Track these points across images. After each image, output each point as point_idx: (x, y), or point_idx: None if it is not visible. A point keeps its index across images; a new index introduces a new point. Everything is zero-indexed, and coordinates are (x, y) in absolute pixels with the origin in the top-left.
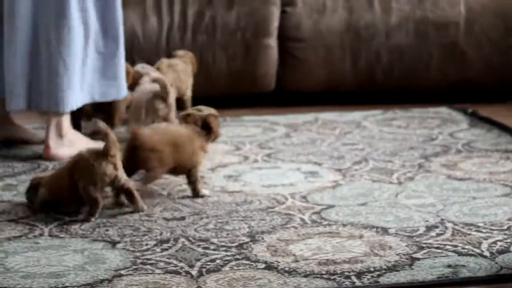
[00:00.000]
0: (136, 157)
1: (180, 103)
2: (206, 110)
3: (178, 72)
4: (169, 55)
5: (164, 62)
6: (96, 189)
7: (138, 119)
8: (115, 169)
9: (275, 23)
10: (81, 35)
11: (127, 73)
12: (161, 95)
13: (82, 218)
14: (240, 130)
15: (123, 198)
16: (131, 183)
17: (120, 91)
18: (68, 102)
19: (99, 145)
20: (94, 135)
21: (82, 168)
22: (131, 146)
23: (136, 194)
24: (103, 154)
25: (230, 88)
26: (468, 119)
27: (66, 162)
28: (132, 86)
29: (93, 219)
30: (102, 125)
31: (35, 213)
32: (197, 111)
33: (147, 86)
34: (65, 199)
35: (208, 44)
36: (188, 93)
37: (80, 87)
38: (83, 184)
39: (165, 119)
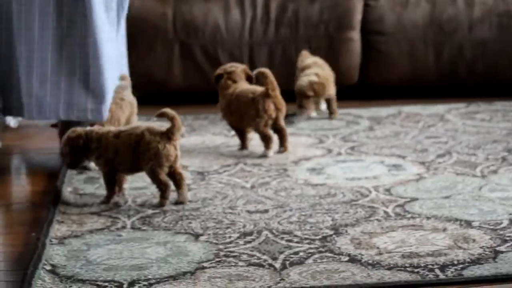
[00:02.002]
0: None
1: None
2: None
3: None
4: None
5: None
6: (163, 170)
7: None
8: (176, 149)
9: (358, 16)
10: None
11: None
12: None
13: (158, 203)
14: (323, 123)
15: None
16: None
17: None
18: None
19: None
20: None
21: (147, 150)
22: None
23: (185, 182)
24: (167, 136)
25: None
26: None
27: (124, 137)
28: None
29: (167, 202)
30: (168, 110)
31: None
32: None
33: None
34: (122, 171)
35: (291, 38)
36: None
37: None
38: (150, 166)
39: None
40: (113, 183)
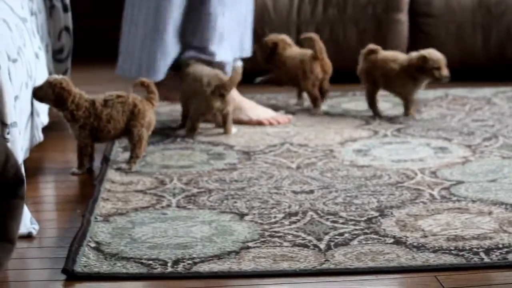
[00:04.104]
0: None
1: None
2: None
3: None
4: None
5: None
6: (147, 137)
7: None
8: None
9: None
10: None
11: None
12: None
13: (127, 167)
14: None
15: None
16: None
17: None
18: None
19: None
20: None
21: (141, 118)
22: None
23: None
24: (151, 104)
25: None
26: None
27: (116, 106)
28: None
29: (134, 167)
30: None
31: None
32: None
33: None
34: (104, 140)
35: (338, 19)
36: None
37: None
38: (141, 132)
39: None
40: (86, 154)
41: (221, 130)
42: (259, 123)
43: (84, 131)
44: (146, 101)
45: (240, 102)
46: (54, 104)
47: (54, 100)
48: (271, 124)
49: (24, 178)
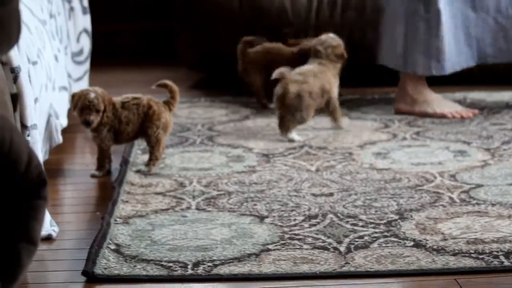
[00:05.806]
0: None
1: None
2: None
3: None
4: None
5: None
6: (164, 139)
7: None
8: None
9: None
10: None
11: None
12: None
13: (147, 170)
14: (388, 108)
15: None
16: None
17: None
18: None
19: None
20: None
21: (157, 119)
22: None
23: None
24: (168, 107)
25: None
26: None
27: (132, 107)
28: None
29: (154, 169)
30: (170, 82)
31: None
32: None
33: None
34: (122, 142)
35: (357, 21)
36: None
37: None
38: (157, 134)
39: None
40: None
41: (239, 133)
42: (443, 116)
43: (110, 134)
44: (163, 103)
45: (427, 95)
46: (101, 114)
47: (102, 111)
48: (454, 117)
49: (47, 179)
